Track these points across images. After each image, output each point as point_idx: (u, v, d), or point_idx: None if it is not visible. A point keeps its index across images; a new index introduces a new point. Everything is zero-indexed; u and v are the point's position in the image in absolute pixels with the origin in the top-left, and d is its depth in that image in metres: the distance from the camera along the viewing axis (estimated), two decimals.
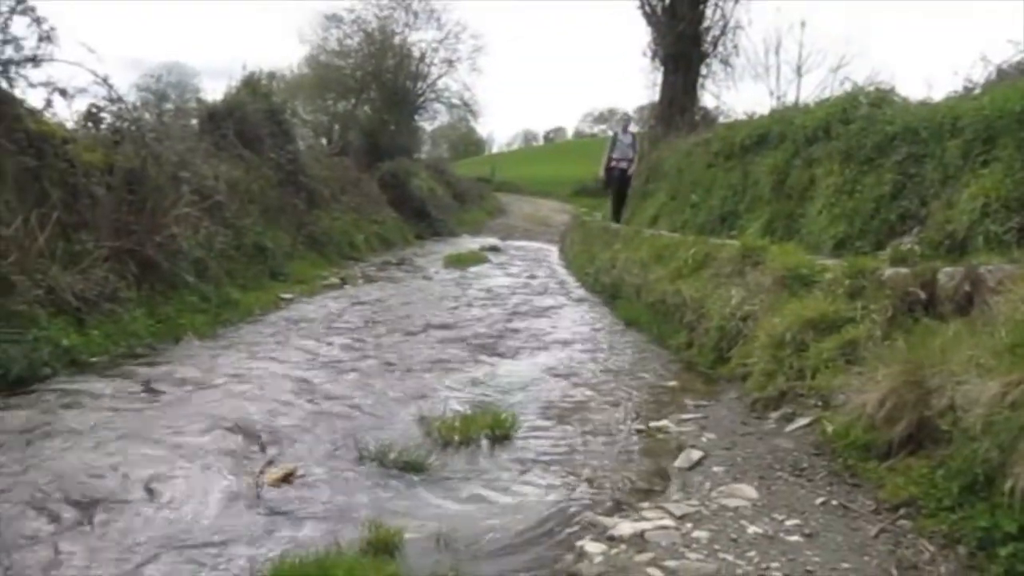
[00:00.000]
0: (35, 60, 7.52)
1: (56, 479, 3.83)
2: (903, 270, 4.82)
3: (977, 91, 7.00)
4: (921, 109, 7.20)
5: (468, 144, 57.37)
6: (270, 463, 4.17)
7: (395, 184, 24.10)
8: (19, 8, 7.38)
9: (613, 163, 14.55)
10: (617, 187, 15.08)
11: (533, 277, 14.49)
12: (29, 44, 7.50)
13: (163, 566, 3.07)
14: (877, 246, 6.55)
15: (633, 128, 16.98)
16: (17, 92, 7.32)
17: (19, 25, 7.46)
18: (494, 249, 19.98)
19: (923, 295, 4.42)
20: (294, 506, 3.71)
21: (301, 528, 3.48)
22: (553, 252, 20.23)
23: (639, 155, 15.12)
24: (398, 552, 3.21)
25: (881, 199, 6.92)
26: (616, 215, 15.26)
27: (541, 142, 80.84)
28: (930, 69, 33.33)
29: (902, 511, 3.30)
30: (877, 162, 7.16)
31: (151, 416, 4.96)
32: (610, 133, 22.66)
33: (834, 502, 3.56)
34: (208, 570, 3.06)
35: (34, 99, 7.64)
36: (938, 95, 7.59)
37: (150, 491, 3.79)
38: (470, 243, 22.07)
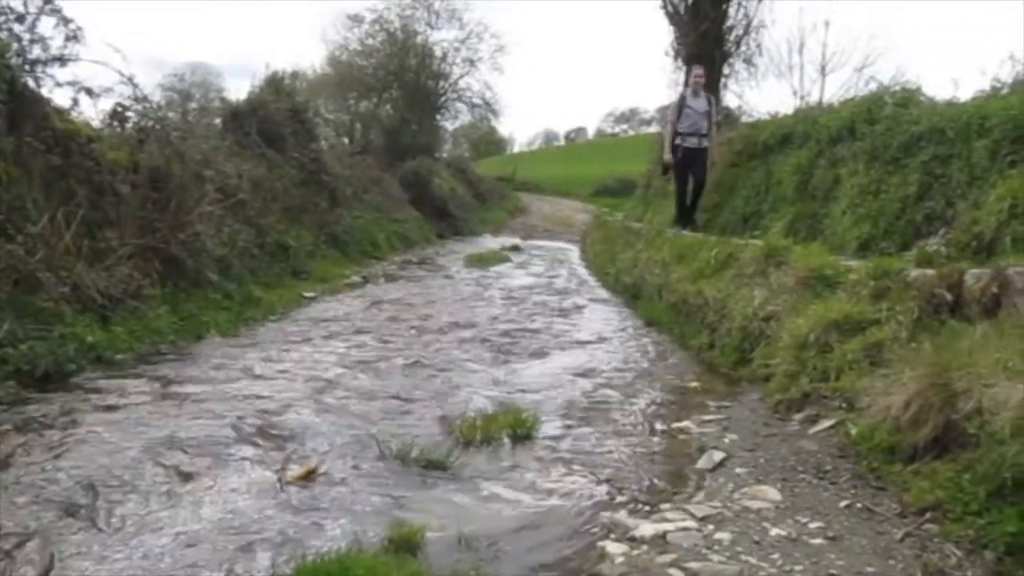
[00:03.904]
0: (62, 60, 7.59)
1: (80, 474, 3.86)
2: (929, 271, 4.76)
3: (1005, 90, 6.90)
4: (948, 109, 7.11)
5: (489, 143, 57.39)
6: (292, 460, 4.18)
7: (417, 183, 24.13)
8: (46, 8, 7.45)
9: (679, 139, 10.62)
10: (686, 174, 10.78)
11: (554, 277, 14.46)
12: (56, 44, 7.58)
13: (185, 562, 3.09)
14: (902, 247, 6.49)
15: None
16: (44, 91, 7.40)
17: (46, 25, 7.54)
18: (515, 248, 19.97)
19: (949, 297, 4.37)
20: (316, 503, 3.72)
21: (323, 525, 3.49)
22: (574, 252, 20.19)
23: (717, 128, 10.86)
24: (419, 550, 3.21)
25: (907, 200, 6.85)
26: (683, 214, 10.95)
27: (562, 142, 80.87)
28: (957, 68, 32.91)
29: (928, 515, 3.27)
30: (903, 162, 7.09)
31: (174, 413, 4.99)
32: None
33: (858, 505, 3.53)
34: (230, 567, 3.07)
35: (60, 98, 7.73)
36: (965, 94, 7.49)
37: (173, 487, 3.81)
38: (491, 242, 22.08)
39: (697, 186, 10.89)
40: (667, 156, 10.81)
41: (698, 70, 11.03)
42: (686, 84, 18.11)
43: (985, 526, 2.99)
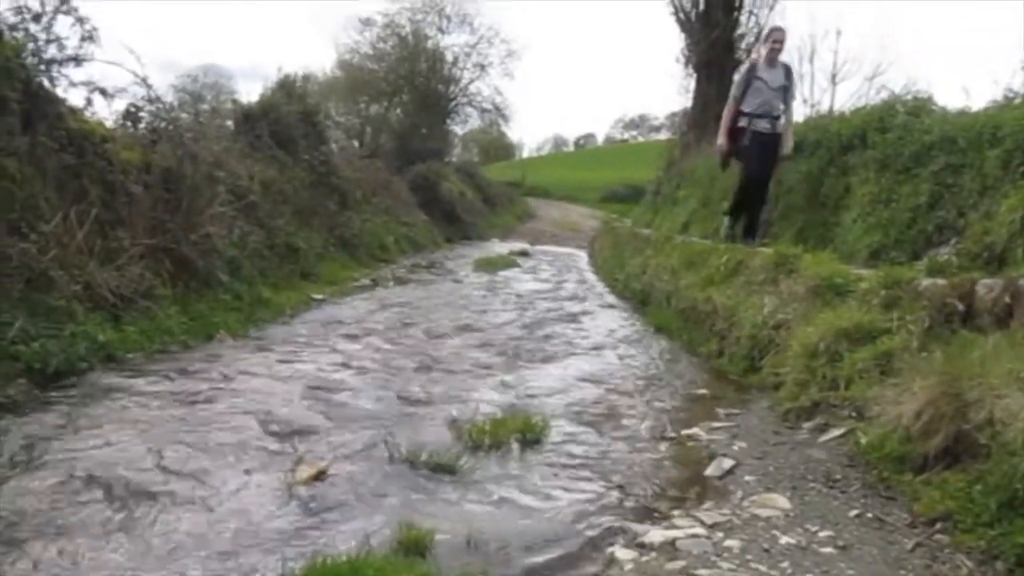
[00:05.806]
0: (77, 60, 7.62)
1: (91, 474, 3.88)
2: (940, 281, 4.76)
3: (1018, 100, 6.89)
4: (960, 118, 7.10)
5: (498, 148, 57.56)
6: (301, 461, 4.19)
7: (426, 187, 24.24)
8: (63, 8, 7.49)
9: (745, 120, 8.50)
10: (759, 163, 8.55)
11: (563, 282, 14.46)
12: (71, 44, 7.61)
13: (194, 563, 3.09)
14: (913, 257, 6.48)
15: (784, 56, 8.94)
16: (59, 91, 7.43)
17: (62, 25, 7.57)
18: (524, 254, 20.00)
19: (961, 307, 4.36)
20: (325, 504, 3.72)
21: (332, 527, 3.50)
22: (582, 257, 20.21)
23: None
24: (429, 553, 3.21)
25: (918, 209, 6.84)
26: (752, 220, 8.80)
27: (571, 148, 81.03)
28: (968, 78, 32.85)
29: (938, 525, 3.26)
30: (914, 172, 7.08)
31: (184, 412, 5.01)
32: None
33: (868, 515, 3.52)
34: (240, 568, 3.08)
35: (75, 98, 7.76)
36: (977, 104, 7.48)
37: (183, 487, 3.82)
38: (500, 247, 22.10)
39: (761, 184, 8.70)
40: (721, 140, 8.71)
41: (778, 34, 8.73)
42: (696, 82, 18.13)
43: (996, 537, 2.98)
